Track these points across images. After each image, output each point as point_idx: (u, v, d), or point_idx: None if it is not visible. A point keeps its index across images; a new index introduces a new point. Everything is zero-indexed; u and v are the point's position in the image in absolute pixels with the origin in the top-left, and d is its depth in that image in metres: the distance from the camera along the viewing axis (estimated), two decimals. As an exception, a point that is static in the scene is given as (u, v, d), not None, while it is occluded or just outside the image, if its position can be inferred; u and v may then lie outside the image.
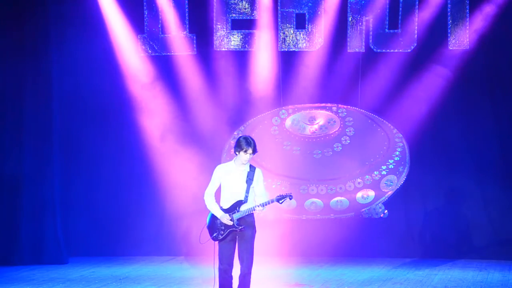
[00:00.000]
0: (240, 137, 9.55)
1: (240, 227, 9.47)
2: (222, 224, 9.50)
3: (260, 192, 9.61)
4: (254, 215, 9.61)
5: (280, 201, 9.46)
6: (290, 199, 9.50)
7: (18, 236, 14.50)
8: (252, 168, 9.60)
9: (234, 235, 9.53)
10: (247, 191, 9.52)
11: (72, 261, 14.67)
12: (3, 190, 14.52)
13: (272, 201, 9.44)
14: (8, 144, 14.58)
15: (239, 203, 9.51)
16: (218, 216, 9.52)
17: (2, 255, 14.40)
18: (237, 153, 9.51)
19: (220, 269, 9.59)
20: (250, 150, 9.44)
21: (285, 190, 14.68)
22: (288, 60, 15.08)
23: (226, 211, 9.54)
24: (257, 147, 9.53)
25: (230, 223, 9.47)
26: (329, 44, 14.96)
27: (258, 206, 9.44)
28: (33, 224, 14.57)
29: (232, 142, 14.37)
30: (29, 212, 14.54)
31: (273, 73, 15.12)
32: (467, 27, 14.50)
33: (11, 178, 14.50)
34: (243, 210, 9.49)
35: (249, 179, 9.54)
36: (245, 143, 9.45)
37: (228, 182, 9.57)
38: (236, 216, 9.49)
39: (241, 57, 15.14)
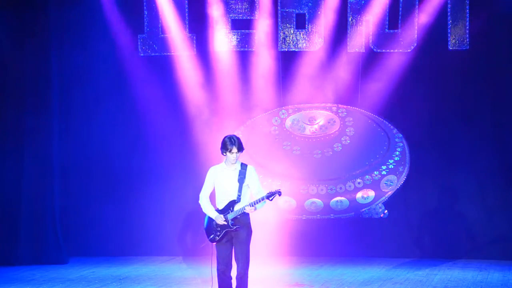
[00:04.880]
0: (225, 137, 9.58)
1: (235, 227, 9.47)
2: (217, 225, 9.51)
3: (256, 189, 9.60)
4: (250, 215, 9.59)
5: (270, 198, 9.44)
6: (279, 195, 9.47)
7: (18, 236, 14.51)
8: (243, 167, 9.60)
9: (230, 235, 9.53)
10: (240, 190, 9.52)
11: (72, 261, 14.67)
12: (3, 190, 14.51)
13: (263, 199, 9.43)
14: (9, 144, 14.57)
15: (232, 203, 9.52)
16: (213, 217, 9.52)
17: (2, 255, 14.40)
18: (224, 154, 9.54)
19: (218, 270, 9.60)
20: (234, 149, 9.46)
21: (281, 188, 14.64)
22: (288, 60, 15.07)
23: (220, 212, 9.54)
24: (254, 146, 9.53)
25: (224, 223, 9.46)
26: (329, 44, 14.96)
27: (248, 206, 9.43)
28: (33, 224, 14.57)
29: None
30: (29, 212, 14.54)
31: (273, 73, 15.12)
32: (467, 27, 14.50)
33: (11, 178, 14.50)
34: (236, 210, 9.49)
35: (241, 178, 9.53)
36: (229, 142, 9.49)
37: (221, 183, 9.58)
38: (230, 216, 9.49)
39: (241, 57, 15.14)
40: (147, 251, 15.27)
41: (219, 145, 9.68)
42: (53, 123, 14.71)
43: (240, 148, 9.50)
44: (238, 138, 9.54)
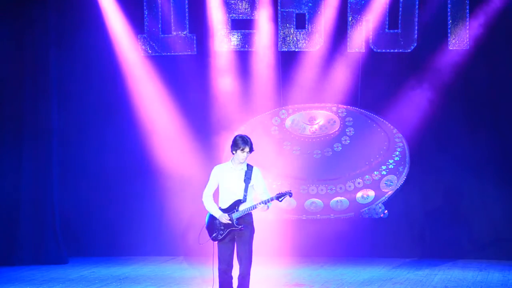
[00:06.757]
0: (236, 136, 9.55)
1: (240, 226, 9.47)
2: (221, 224, 9.50)
3: (261, 190, 9.59)
4: (253, 215, 9.59)
5: (280, 199, 9.44)
6: (290, 196, 9.48)
7: (18, 236, 14.51)
8: (249, 167, 9.59)
9: (233, 235, 9.53)
10: (246, 190, 9.51)
11: (72, 261, 14.67)
12: (2, 190, 14.51)
13: (272, 199, 9.43)
14: (8, 144, 14.57)
15: (238, 203, 9.51)
16: (217, 216, 9.51)
17: (2, 255, 14.40)
18: (234, 152, 9.50)
19: (219, 270, 9.59)
20: (247, 149, 9.44)
21: (283, 188, 14.65)
22: (288, 60, 15.08)
23: (224, 211, 9.53)
24: (254, 146, 9.53)
25: (229, 222, 9.46)
26: (329, 44, 14.97)
27: (260, 204, 9.42)
28: (33, 224, 14.57)
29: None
30: (29, 212, 14.54)
31: (273, 73, 15.12)
32: (467, 27, 14.50)
33: (11, 178, 14.50)
34: (242, 210, 9.48)
35: (247, 178, 9.53)
36: (242, 141, 9.45)
37: (226, 182, 9.56)
38: (235, 215, 9.48)
39: (241, 57, 15.15)
40: (147, 251, 15.26)
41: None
42: (53, 122, 14.70)
43: (252, 149, 9.49)
44: (249, 138, 9.52)
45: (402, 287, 11.88)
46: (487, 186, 14.55)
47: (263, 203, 9.43)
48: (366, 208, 15.05)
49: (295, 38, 15.08)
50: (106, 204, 15.34)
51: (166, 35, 15.21)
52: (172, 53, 15.23)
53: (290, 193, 9.48)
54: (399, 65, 14.76)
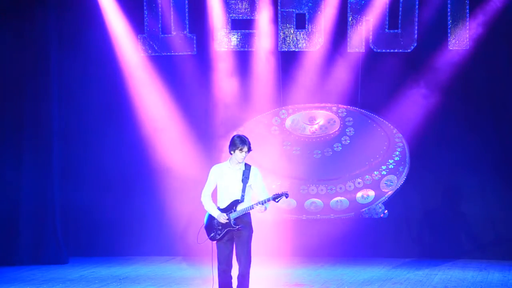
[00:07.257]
0: (234, 136, 9.54)
1: (237, 227, 9.46)
2: (219, 224, 9.50)
3: (260, 190, 9.58)
4: (251, 215, 9.59)
5: (276, 200, 9.41)
6: (286, 197, 9.45)
7: (18, 236, 14.50)
8: (247, 167, 9.58)
9: (232, 235, 9.52)
10: (243, 190, 9.50)
11: (72, 261, 14.67)
12: (3, 190, 14.51)
13: (269, 200, 9.42)
14: (8, 144, 14.57)
15: (235, 203, 9.50)
16: (215, 216, 9.51)
17: (2, 255, 14.40)
18: (232, 152, 9.49)
19: (219, 270, 9.59)
20: (245, 148, 9.43)
21: (282, 188, 14.65)
22: (288, 60, 15.08)
23: (223, 210, 9.52)
24: (254, 146, 9.52)
25: (227, 221, 9.45)
26: (329, 44, 14.97)
27: (257, 204, 9.41)
28: (33, 224, 14.57)
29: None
30: (29, 212, 14.54)
31: (273, 73, 15.12)
32: (467, 27, 14.50)
33: (11, 178, 14.49)
34: (239, 210, 9.48)
35: (245, 178, 9.52)
36: (240, 141, 9.44)
37: (224, 182, 9.55)
38: (233, 215, 9.48)
39: (241, 57, 15.15)
40: (147, 251, 15.26)
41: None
42: (53, 122, 14.70)
43: (250, 148, 9.48)
44: (247, 138, 9.51)
45: (402, 287, 11.88)
46: (487, 185, 14.56)
47: (260, 203, 9.42)
48: (366, 208, 15.05)
49: (295, 38, 15.08)
50: (106, 204, 15.34)
51: (166, 35, 15.22)
52: (172, 53, 15.24)
53: (287, 194, 9.45)
54: (399, 65, 14.76)
